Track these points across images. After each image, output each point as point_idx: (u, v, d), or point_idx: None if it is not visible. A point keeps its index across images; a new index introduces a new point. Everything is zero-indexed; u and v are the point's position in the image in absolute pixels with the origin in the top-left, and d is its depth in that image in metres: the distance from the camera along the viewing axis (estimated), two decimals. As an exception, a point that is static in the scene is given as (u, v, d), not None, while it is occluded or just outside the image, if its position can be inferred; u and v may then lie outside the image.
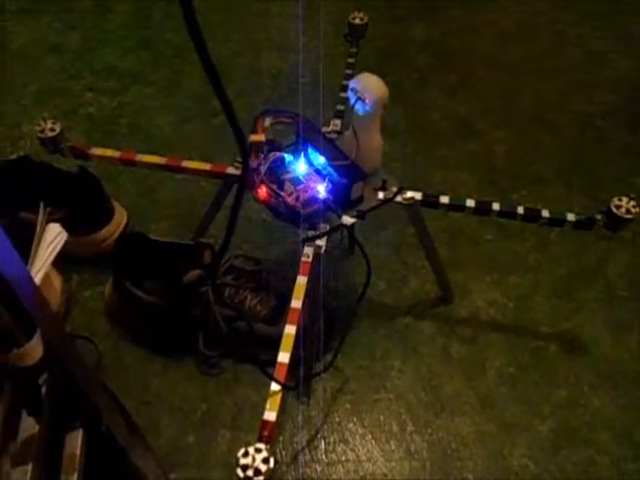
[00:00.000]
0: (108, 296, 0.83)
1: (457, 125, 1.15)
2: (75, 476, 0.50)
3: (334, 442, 0.75)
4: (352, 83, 0.70)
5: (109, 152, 0.76)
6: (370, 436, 0.76)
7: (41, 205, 0.58)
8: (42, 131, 0.74)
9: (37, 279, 0.52)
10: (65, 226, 0.66)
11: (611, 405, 0.78)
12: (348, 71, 0.86)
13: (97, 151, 0.76)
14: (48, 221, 0.57)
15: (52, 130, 0.74)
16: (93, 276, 0.89)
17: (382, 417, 0.77)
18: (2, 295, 0.37)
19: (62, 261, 0.66)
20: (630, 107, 1.19)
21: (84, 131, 1.11)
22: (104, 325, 0.84)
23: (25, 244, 0.54)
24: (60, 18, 1.35)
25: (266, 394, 0.58)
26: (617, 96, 1.22)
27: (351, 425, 0.77)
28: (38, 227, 0.54)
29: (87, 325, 0.84)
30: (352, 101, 0.70)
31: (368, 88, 0.69)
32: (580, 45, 1.33)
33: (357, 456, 0.74)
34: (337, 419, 0.77)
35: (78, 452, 0.50)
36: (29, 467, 0.44)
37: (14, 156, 0.95)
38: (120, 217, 0.93)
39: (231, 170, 0.74)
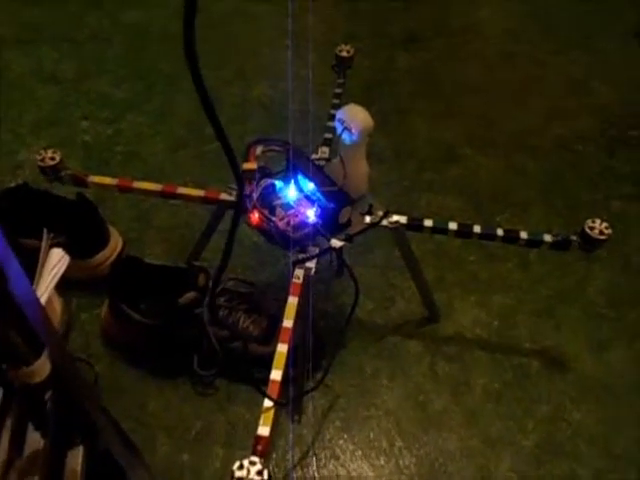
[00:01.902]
0: (104, 318, 0.85)
1: (442, 151, 1.19)
2: (76, 492, 0.52)
3: (325, 458, 0.77)
4: (339, 114, 0.73)
5: (107, 180, 0.79)
6: (360, 452, 0.78)
7: (44, 231, 0.61)
8: (42, 160, 0.77)
9: (42, 301, 0.55)
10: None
11: (592, 419, 0.81)
12: (335, 101, 0.90)
13: (95, 179, 0.79)
14: (50, 246, 0.59)
15: (52, 159, 0.77)
16: (89, 299, 0.92)
17: (372, 434, 0.80)
18: (12, 316, 0.39)
19: (62, 284, 0.69)
20: (608, 132, 1.24)
21: (80, 159, 1.14)
22: (100, 347, 0.87)
23: (25, 269, 0.57)
24: (57, 48, 1.39)
25: (259, 412, 0.60)
26: (595, 121, 1.27)
27: (342, 442, 0.79)
28: (42, 252, 0.57)
29: (84, 347, 0.87)
30: (339, 131, 0.74)
31: (354, 119, 0.72)
32: (559, 73, 1.38)
33: (348, 472, 0.76)
34: (328, 436, 0.79)
35: (79, 468, 0.52)
36: (35, 479, 0.46)
37: (12, 184, 0.97)
38: (115, 242, 0.95)
39: (224, 196, 0.78)
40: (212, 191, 0.78)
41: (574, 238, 0.74)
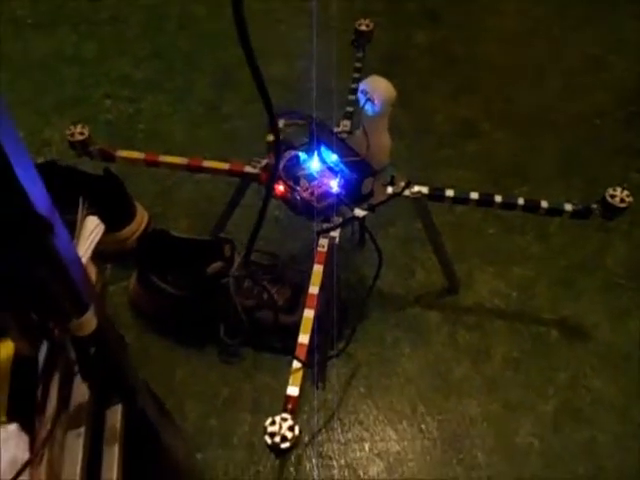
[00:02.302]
0: (132, 290, 0.88)
1: (460, 126, 1.20)
2: (116, 448, 0.54)
3: (349, 423, 0.80)
4: (362, 85, 0.75)
5: (135, 154, 0.81)
6: (383, 417, 0.80)
7: (80, 200, 0.63)
8: (72, 135, 0.79)
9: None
10: None
11: (611, 386, 0.83)
12: (356, 75, 0.91)
13: (123, 153, 0.81)
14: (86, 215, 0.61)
15: (81, 134, 0.79)
16: (116, 272, 0.94)
17: (394, 400, 0.82)
18: (59, 272, 0.41)
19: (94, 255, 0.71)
20: (625, 107, 1.24)
21: (104, 137, 1.16)
22: (129, 318, 0.89)
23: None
24: (76, 30, 1.40)
25: (284, 380, 0.62)
26: (613, 96, 1.27)
27: (365, 407, 0.81)
28: (78, 220, 0.59)
29: (113, 318, 0.88)
30: (362, 102, 0.75)
31: (377, 89, 0.73)
32: (577, 48, 1.37)
33: (371, 436, 0.79)
34: (351, 402, 0.81)
35: (118, 425, 0.55)
36: (82, 430, 0.48)
37: (40, 161, 0.99)
38: (141, 217, 0.97)
39: (249, 169, 0.79)
40: (237, 164, 0.80)
41: (595, 206, 0.75)
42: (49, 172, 0.93)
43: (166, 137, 1.17)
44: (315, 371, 0.80)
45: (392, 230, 0.99)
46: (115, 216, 0.94)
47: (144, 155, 0.81)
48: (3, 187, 0.36)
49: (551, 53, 1.38)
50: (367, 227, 0.75)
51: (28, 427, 0.50)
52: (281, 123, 0.77)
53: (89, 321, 0.42)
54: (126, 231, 0.95)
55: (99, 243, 0.84)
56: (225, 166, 0.80)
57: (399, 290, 0.93)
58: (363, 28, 0.96)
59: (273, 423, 0.54)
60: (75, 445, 0.49)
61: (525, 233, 1.00)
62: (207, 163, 0.80)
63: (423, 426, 0.79)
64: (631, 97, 1.27)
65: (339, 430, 0.79)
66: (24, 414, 0.50)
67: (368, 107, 0.74)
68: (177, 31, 1.41)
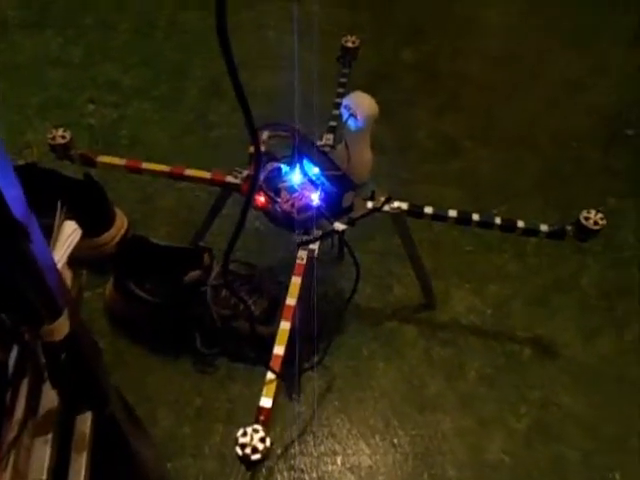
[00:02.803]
0: (109, 295, 0.87)
1: (443, 143, 1.21)
2: (85, 455, 0.54)
3: (323, 436, 0.80)
4: (345, 100, 0.76)
5: (116, 160, 0.81)
6: (356, 431, 0.80)
7: (59, 204, 0.63)
8: (53, 138, 0.79)
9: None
10: None
11: (582, 404, 0.84)
12: (340, 90, 0.92)
13: (104, 158, 0.81)
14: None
15: (63, 137, 0.79)
16: (93, 278, 0.94)
17: (368, 414, 0.82)
18: (33, 277, 0.41)
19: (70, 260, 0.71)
20: (605, 130, 1.27)
21: (86, 142, 1.16)
22: (104, 324, 0.89)
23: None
24: (62, 33, 1.40)
25: (258, 390, 0.63)
26: (593, 119, 1.29)
27: (338, 421, 0.81)
28: (56, 224, 0.58)
29: (88, 324, 0.88)
30: (345, 117, 0.76)
31: (360, 105, 0.75)
32: (560, 70, 1.40)
33: (344, 449, 0.79)
34: (325, 415, 0.82)
35: (88, 432, 0.54)
36: (50, 437, 0.48)
37: (20, 162, 0.99)
38: (121, 223, 0.97)
39: (230, 179, 0.80)
40: (218, 173, 0.80)
41: (569, 228, 0.76)
42: (29, 174, 0.92)
43: (150, 144, 1.17)
44: (290, 383, 0.80)
45: (371, 244, 1.00)
46: (94, 221, 0.94)
47: (125, 161, 0.81)
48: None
49: (534, 73, 1.41)
50: (346, 241, 0.75)
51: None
52: (265, 135, 0.78)
53: (62, 326, 0.42)
54: (105, 237, 0.95)
55: (76, 248, 0.84)
56: (207, 175, 0.81)
57: (376, 304, 0.94)
58: (349, 45, 0.97)
59: (245, 434, 0.54)
60: (42, 451, 0.48)
61: (502, 252, 1.02)
62: (189, 171, 0.81)
63: (395, 440, 0.79)
64: (610, 121, 1.29)
65: (312, 443, 0.79)
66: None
67: (351, 122, 0.76)
68: (166, 39, 1.42)
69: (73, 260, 0.83)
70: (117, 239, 0.96)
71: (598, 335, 0.91)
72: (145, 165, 0.81)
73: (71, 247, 0.58)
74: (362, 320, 0.91)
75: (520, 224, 0.77)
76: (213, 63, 1.33)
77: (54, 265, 0.45)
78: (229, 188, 0.81)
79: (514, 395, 0.85)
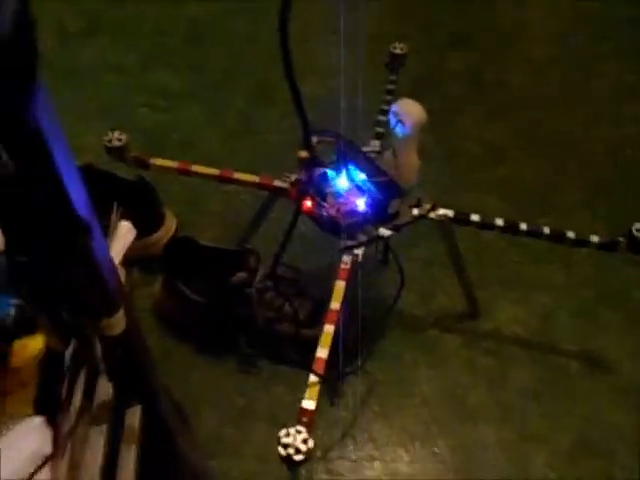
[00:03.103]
0: (157, 295, 0.90)
1: (489, 152, 1.20)
2: (134, 448, 0.55)
3: (362, 441, 0.80)
4: (394, 107, 0.76)
5: (168, 162, 0.84)
6: (396, 437, 0.80)
7: (115, 205, 0.65)
8: (110, 140, 0.82)
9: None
10: None
11: (630, 422, 0.82)
12: (387, 96, 0.92)
13: (157, 161, 0.83)
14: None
15: (119, 140, 0.82)
16: (141, 277, 0.96)
17: (408, 420, 0.82)
18: (94, 272, 0.43)
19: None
20: None
21: (139, 144, 1.19)
22: (152, 322, 0.91)
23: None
24: (118, 40, 1.45)
25: (300, 393, 0.63)
26: None
27: (378, 427, 0.81)
28: (112, 223, 0.61)
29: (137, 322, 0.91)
30: (393, 123, 0.76)
31: (408, 112, 0.75)
32: (609, 78, 1.37)
33: (383, 455, 0.79)
34: (365, 421, 0.82)
35: (137, 426, 0.56)
36: (104, 428, 0.50)
37: (78, 164, 1.03)
38: (170, 224, 1.00)
39: (278, 183, 0.81)
40: (267, 177, 0.82)
41: (621, 239, 0.75)
42: (86, 175, 0.96)
43: (200, 148, 1.20)
44: (331, 387, 0.81)
45: (415, 251, 1.00)
46: (145, 221, 0.96)
47: (177, 164, 0.83)
48: (47, 187, 0.38)
49: (582, 81, 1.38)
50: (391, 247, 0.76)
51: (52, 422, 0.52)
52: (312, 140, 0.79)
53: (119, 321, 0.44)
54: (154, 237, 0.98)
55: (129, 248, 0.87)
56: (255, 179, 0.82)
57: (419, 312, 0.94)
58: (397, 51, 0.98)
59: (287, 435, 0.55)
60: (97, 442, 0.50)
61: (549, 262, 1.00)
62: (238, 175, 0.83)
63: (435, 449, 0.79)
64: None
65: (352, 448, 0.79)
66: (49, 409, 0.52)
67: (399, 129, 0.76)
68: (216, 46, 1.45)
69: (124, 259, 0.86)
70: (166, 239, 0.98)
71: (650, 352, 0.89)
72: (195, 168, 0.83)
73: (126, 246, 0.60)
74: (405, 327, 0.91)
75: (570, 234, 0.76)
76: (261, 71, 1.35)
77: (112, 262, 0.47)
78: (277, 192, 0.82)
79: (558, 409, 0.83)
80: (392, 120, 0.76)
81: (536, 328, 0.92)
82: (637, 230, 0.73)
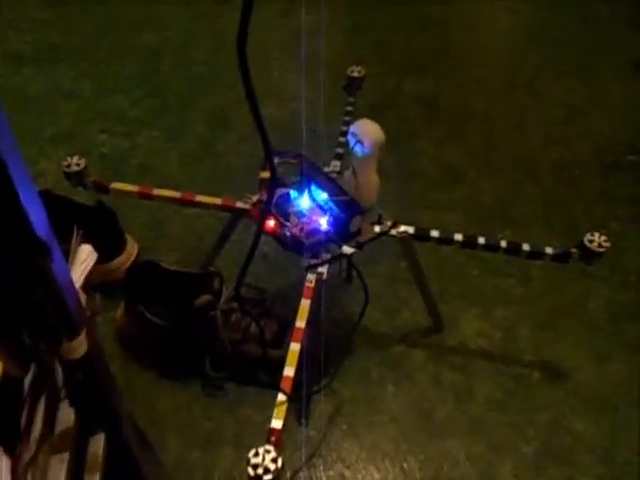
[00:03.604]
0: (120, 320, 0.88)
1: (446, 172, 1.23)
2: (97, 476, 0.54)
3: (332, 461, 0.79)
4: (352, 127, 0.78)
5: (129, 187, 0.83)
6: (366, 455, 0.80)
7: (75, 228, 0.65)
8: (68, 165, 0.82)
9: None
10: None
11: (592, 428, 0.84)
12: (346, 118, 0.94)
13: (118, 185, 0.83)
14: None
15: (77, 165, 0.82)
16: (104, 303, 0.95)
17: (377, 438, 0.82)
18: (54, 296, 0.42)
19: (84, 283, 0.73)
20: (603, 157, 1.28)
21: (98, 170, 1.18)
22: (115, 348, 0.90)
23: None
24: (74, 67, 1.45)
25: (268, 414, 0.63)
26: (591, 147, 1.31)
27: (347, 445, 0.81)
28: (72, 247, 0.60)
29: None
30: (352, 144, 0.78)
31: (366, 132, 0.77)
32: (557, 100, 1.43)
33: (353, 474, 0.78)
34: (334, 439, 0.81)
35: (101, 453, 0.55)
36: (66, 456, 0.48)
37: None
38: (132, 248, 0.99)
39: (240, 204, 0.81)
40: (228, 199, 0.82)
41: (574, 250, 0.77)
42: (44, 201, 0.95)
43: (159, 172, 1.20)
44: (298, 407, 0.80)
45: (378, 268, 1.01)
46: (106, 247, 0.95)
47: (138, 188, 0.83)
48: (6, 209, 0.38)
49: (533, 103, 1.43)
50: (355, 265, 0.77)
51: (11, 451, 0.50)
52: (274, 161, 0.79)
53: (80, 345, 0.43)
54: (116, 262, 0.97)
55: (90, 272, 0.86)
56: (217, 201, 0.83)
57: (384, 328, 0.94)
58: (355, 74, 1.00)
59: (256, 454, 0.55)
60: (58, 471, 0.49)
61: (508, 276, 1.02)
62: (200, 197, 0.83)
63: (405, 465, 0.79)
64: (609, 147, 1.31)
65: (321, 467, 0.78)
66: (7, 438, 0.50)
67: (358, 148, 0.77)
68: (172, 72, 1.46)
69: (86, 284, 0.85)
70: (128, 265, 0.97)
71: (608, 359, 0.91)
72: (156, 191, 0.83)
73: (87, 270, 0.60)
74: (371, 344, 0.92)
75: (525, 247, 0.78)
76: (218, 96, 1.37)
77: (73, 284, 0.46)
78: (239, 214, 0.83)
79: (523, 419, 0.84)
80: (351, 140, 0.78)
81: (499, 340, 0.94)
82: (588, 241, 0.76)
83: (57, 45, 1.52)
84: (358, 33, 1.62)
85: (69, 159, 0.82)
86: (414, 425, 0.83)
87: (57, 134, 1.26)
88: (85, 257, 0.59)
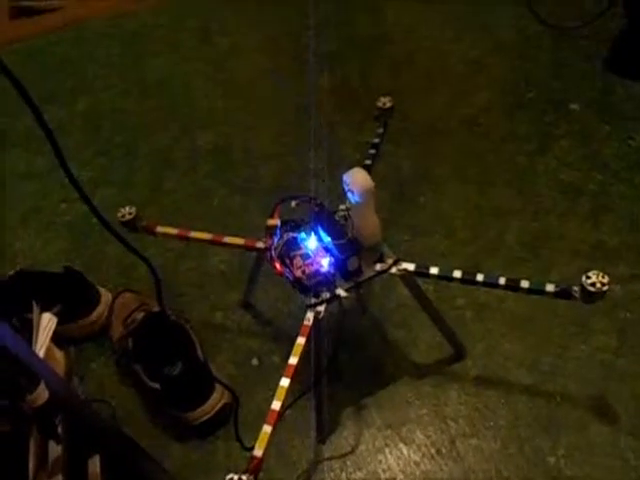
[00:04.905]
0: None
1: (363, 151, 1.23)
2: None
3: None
4: (344, 176, 0.80)
5: (170, 230, 0.92)
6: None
7: (34, 303, 0.78)
8: (123, 216, 0.91)
9: (41, 353, 0.72)
10: (64, 316, 0.92)
11: (520, 347, 0.97)
12: (371, 151, 0.97)
13: (162, 229, 0.93)
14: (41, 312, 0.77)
15: (130, 214, 0.91)
16: (95, 350, 1.04)
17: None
18: (13, 364, 0.56)
19: (66, 341, 0.97)
20: (504, 102, 1.42)
21: (65, 237, 1.25)
22: (115, 384, 0.99)
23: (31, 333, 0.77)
24: (26, 148, 1.47)
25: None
26: (492, 94, 1.44)
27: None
28: (35, 318, 0.75)
29: (99, 389, 0.98)
30: (345, 190, 0.80)
31: (354, 182, 0.79)
32: (459, 58, 1.55)
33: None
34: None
35: (98, 471, 0.67)
36: (60, 477, 0.63)
37: (12, 272, 1.07)
38: (106, 299, 1.07)
39: (260, 244, 0.87)
40: (250, 240, 0.88)
41: (576, 289, 0.73)
42: (21, 279, 1.05)
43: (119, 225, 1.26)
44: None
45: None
46: (81, 304, 1.06)
47: (177, 231, 0.92)
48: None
49: (437, 67, 1.54)
50: (364, 298, 0.86)
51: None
52: (293, 203, 0.84)
53: (39, 395, 0.57)
54: (95, 314, 1.05)
55: (72, 330, 1.02)
56: (241, 241, 0.89)
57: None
58: (387, 105, 1.00)
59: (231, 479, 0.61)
60: None
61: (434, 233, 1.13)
62: (226, 239, 0.89)
63: None
64: (507, 91, 1.44)
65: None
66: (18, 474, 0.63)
67: (350, 196, 0.80)
68: (112, 127, 1.52)
69: (73, 339, 1.00)
70: (106, 313, 1.06)
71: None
72: (192, 234, 0.91)
73: (50, 332, 0.74)
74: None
75: (524, 284, 0.77)
76: (155, 138, 1.46)
77: (29, 350, 0.60)
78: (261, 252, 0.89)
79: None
80: (345, 187, 0.80)
81: (433, 292, 1.01)
82: (587, 280, 0.72)
83: (7, 130, 1.54)
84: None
85: (122, 210, 0.91)
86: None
87: (23, 214, 1.30)
88: (46, 323, 0.74)
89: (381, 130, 1.01)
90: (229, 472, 0.61)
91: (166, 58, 1.72)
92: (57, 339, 0.92)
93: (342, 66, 1.59)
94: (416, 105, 1.44)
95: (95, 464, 0.68)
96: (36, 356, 0.60)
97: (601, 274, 0.72)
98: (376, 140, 1.00)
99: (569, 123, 1.36)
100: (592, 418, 0.89)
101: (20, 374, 0.57)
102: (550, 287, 0.76)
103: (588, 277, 0.72)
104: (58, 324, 0.79)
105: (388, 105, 1.01)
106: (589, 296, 0.72)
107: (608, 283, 0.71)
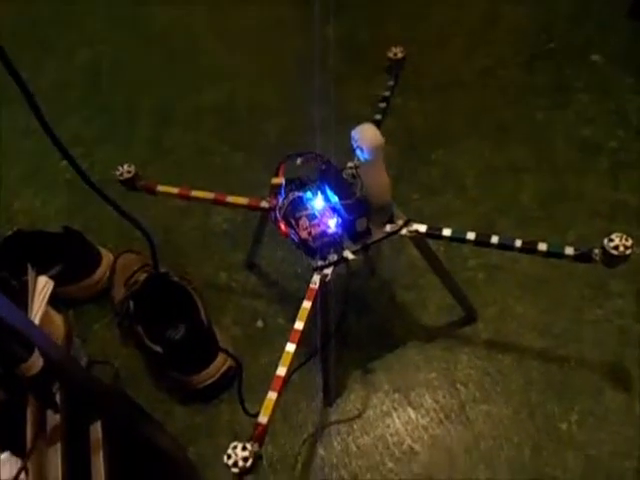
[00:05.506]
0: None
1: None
2: (100, 455, 0.65)
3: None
4: (353, 132, 0.76)
5: (171, 189, 0.88)
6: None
7: (28, 266, 0.74)
8: (121, 174, 0.87)
9: (37, 319, 0.69)
10: (64, 277, 0.94)
11: (533, 310, 0.94)
12: (382, 104, 0.91)
13: (162, 188, 0.88)
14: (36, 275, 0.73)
15: (129, 172, 0.87)
16: (97, 311, 1.02)
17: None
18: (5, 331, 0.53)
19: (67, 303, 0.96)
20: (522, 53, 1.36)
21: (66, 195, 1.21)
22: (117, 347, 0.97)
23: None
24: (24, 103, 1.40)
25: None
26: (510, 45, 1.39)
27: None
28: (30, 282, 0.71)
29: (101, 350, 0.97)
30: (354, 147, 0.77)
31: (364, 137, 0.75)
32: (473, 7, 1.50)
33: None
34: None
35: (100, 436, 0.66)
36: (58, 446, 0.62)
37: (10, 232, 1.03)
38: (108, 260, 1.04)
39: (264, 204, 0.83)
40: (254, 199, 0.84)
41: (596, 252, 0.69)
42: (19, 239, 1.01)
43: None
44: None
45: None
46: (83, 265, 1.03)
47: (178, 190, 0.87)
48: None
49: (452, 18, 1.48)
50: (372, 260, 0.83)
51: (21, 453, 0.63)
52: (299, 161, 0.80)
53: (34, 363, 0.56)
54: (97, 274, 1.03)
55: (75, 291, 1.00)
56: (244, 201, 0.85)
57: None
58: (399, 55, 0.95)
59: (235, 447, 0.58)
60: (55, 458, 0.62)
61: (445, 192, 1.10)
62: (230, 198, 0.85)
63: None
64: (528, 41, 1.39)
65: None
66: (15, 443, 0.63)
67: (359, 153, 0.76)
68: (113, 83, 1.48)
69: (76, 300, 0.99)
70: (108, 274, 1.03)
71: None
72: (194, 193, 0.87)
73: (47, 297, 0.71)
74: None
75: (541, 247, 0.73)
76: (156, 94, 1.42)
77: (22, 316, 0.56)
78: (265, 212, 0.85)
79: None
80: (353, 144, 0.77)
81: (444, 252, 0.99)
82: (610, 242, 0.68)
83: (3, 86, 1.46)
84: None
85: (120, 168, 0.87)
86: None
87: (24, 172, 1.26)
88: (42, 287, 0.71)
89: (392, 82, 0.96)
90: (234, 439, 0.59)
91: (167, 10, 1.65)
92: (57, 301, 0.89)
93: (351, 16, 1.54)
94: (429, 57, 1.40)
95: (97, 430, 0.67)
96: (30, 323, 0.60)
97: (624, 236, 0.68)
98: (386, 93, 0.95)
99: (590, 76, 1.30)
100: (606, 384, 0.87)
101: (14, 342, 0.55)
102: (569, 250, 0.72)
103: (611, 240, 0.68)
104: (59, 285, 0.76)
105: (400, 56, 0.96)
106: (611, 260, 0.68)
107: (632, 246, 0.68)
